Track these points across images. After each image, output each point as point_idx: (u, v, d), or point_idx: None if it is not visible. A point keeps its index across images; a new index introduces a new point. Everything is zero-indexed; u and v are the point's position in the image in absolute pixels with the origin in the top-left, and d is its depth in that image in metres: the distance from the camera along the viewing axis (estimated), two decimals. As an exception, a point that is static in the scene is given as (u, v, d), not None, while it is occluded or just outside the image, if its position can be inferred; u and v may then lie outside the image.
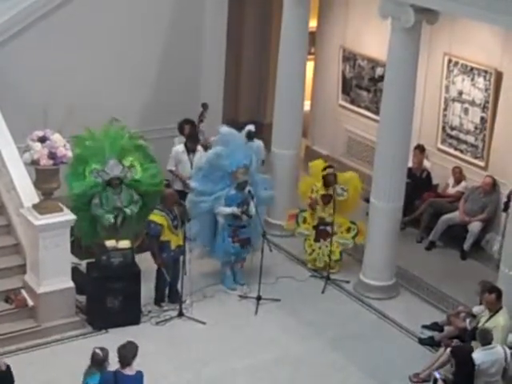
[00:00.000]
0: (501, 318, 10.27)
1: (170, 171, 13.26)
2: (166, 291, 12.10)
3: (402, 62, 11.66)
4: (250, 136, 13.00)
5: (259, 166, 12.80)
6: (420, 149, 14.25)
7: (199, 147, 13.30)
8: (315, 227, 12.98)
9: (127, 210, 11.85)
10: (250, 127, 12.98)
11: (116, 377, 8.76)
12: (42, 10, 13.09)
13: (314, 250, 13.05)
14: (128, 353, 8.82)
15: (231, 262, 12.56)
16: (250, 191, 12.22)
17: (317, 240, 13.00)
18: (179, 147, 13.33)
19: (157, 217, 11.60)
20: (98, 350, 8.95)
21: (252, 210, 12.19)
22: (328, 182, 12.76)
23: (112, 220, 11.79)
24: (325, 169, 12.93)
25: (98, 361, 8.93)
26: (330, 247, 12.80)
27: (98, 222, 11.89)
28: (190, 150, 13.23)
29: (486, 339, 9.84)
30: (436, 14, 11.50)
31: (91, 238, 12.03)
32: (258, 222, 12.20)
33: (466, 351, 9.94)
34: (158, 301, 12.04)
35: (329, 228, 12.81)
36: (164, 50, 14.45)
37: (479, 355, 9.76)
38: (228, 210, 12.16)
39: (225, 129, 12.62)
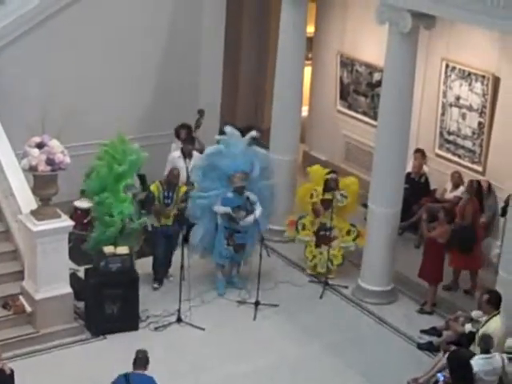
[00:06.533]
0: (493, 324, 10.27)
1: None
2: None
3: (400, 68, 11.71)
4: (252, 142, 12.97)
5: (266, 173, 12.75)
6: (421, 152, 14.27)
7: (194, 152, 13.30)
8: (315, 233, 13.00)
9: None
10: (253, 133, 12.84)
11: (127, 377, 8.97)
12: (41, 16, 13.13)
13: (314, 256, 13.06)
14: (144, 356, 9.17)
15: (224, 266, 12.65)
16: (248, 198, 12.26)
17: (318, 246, 13.01)
18: (176, 153, 13.37)
19: (153, 184, 12.30)
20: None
21: (247, 220, 12.22)
22: (329, 186, 12.79)
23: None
24: (329, 173, 13.00)
25: None
26: (331, 252, 12.82)
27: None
28: (186, 155, 13.28)
29: (488, 345, 9.82)
30: (433, 19, 11.56)
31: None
32: (256, 230, 12.25)
33: (461, 356, 9.88)
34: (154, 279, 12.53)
35: (329, 233, 12.84)
36: (162, 56, 14.49)
37: (478, 363, 9.72)
38: (222, 209, 12.25)
39: (229, 129, 12.66)
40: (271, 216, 12.94)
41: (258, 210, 12.28)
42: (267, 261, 12.27)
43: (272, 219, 13.51)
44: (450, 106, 14.01)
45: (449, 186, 14.00)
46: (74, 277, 11.68)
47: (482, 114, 13.49)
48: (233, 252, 12.51)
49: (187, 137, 13.50)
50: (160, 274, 12.59)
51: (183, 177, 13.04)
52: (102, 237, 11.94)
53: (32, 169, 10.87)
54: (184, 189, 12.47)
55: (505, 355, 9.90)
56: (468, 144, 13.84)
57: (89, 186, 12.19)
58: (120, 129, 12.30)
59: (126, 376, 9.02)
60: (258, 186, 12.53)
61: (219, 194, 12.29)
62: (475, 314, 10.83)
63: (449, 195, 13.94)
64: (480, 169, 13.67)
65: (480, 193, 13.19)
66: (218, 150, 12.42)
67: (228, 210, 12.22)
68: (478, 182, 13.25)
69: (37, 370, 10.60)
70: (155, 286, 12.53)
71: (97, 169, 12.02)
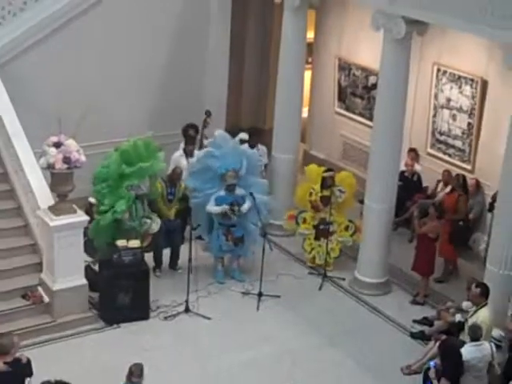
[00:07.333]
0: (481, 314, 10.45)
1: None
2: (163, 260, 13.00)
3: (394, 71, 11.97)
4: (242, 143, 13.34)
5: (256, 170, 13.06)
6: (414, 152, 14.46)
7: (196, 151, 13.44)
8: (315, 226, 13.24)
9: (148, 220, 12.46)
10: (242, 136, 13.24)
11: None
12: (57, 22, 13.35)
13: (313, 249, 13.30)
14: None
15: (222, 258, 12.97)
16: (251, 193, 12.58)
17: (317, 238, 13.26)
18: (178, 152, 13.51)
19: (157, 182, 12.56)
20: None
21: (244, 208, 12.55)
22: (325, 183, 13.03)
23: (150, 224, 12.34)
24: (326, 171, 13.22)
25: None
26: (329, 245, 13.05)
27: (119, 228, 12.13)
28: (189, 154, 13.43)
29: (476, 334, 10.03)
30: (426, 25, 11.78)
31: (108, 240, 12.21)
32: (253, 221, 12.58)
33: (452, 345, 10.14)
34: (154, 268, 12.84)
35: (329, 227, 13.06)
36: (170, 59, 14.65)
37: (468, 350, 9.94)
38: (218, 208, 12.55)
39: (220, 132, 12.97)
40: (267, 212, 13.10)
41: (247, 204, 12.56)
42: (269, 254, 12.49)
43: (273, 214, 13.71)
44: (441, 107, 14.18)
45: (440, 183, 14.11)
46: (88, 269, 11.91)
47: (471, 115, 13.67)
48: (233, 246, 12.78)
49: (189, 137, 13.57)
50: (158, 263, 12.91)
51: (185, 175, 13.15)
52: (97, 227, 11.92)
53: (50, 167, 11.12)
54: (183, 186, 12.79)
55: (493, 344, 10.18)
56: (458, 143, 14.01)
57: (99, 172, 12.04)
58: (151, 133, 12.32)
59: None
60: (249, 182, 12.78)
61: (212, 193, 12.59)
62: (465, 304, 11.04)
63: (440, 193, 14.01)
64: (469, 167, 13.81)
65: (465, 187, 13.37)
66: (208, 153, 12.67)
67: (220, 209, 12.51)
68: (463, 177, 13.45)
69: (54, 357, 10.80)
70: (157, 274, 12.84)
71: (111, 159, 11.95)
